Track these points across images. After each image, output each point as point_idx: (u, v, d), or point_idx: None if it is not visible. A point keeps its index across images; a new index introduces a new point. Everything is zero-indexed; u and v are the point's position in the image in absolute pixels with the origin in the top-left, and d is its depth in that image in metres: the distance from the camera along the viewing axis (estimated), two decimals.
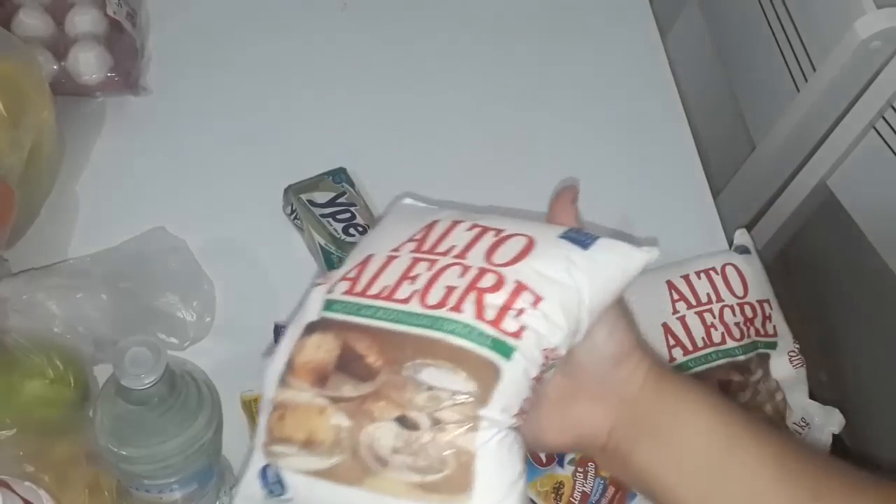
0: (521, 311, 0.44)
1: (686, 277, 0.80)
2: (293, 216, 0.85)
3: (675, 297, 0.78)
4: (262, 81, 0.97)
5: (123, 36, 0.92)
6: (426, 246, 0.49)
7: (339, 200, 0.84)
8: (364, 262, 0.49)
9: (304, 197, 0.84)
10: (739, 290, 0.80)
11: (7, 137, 0.74)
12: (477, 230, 0.49)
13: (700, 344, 0.76)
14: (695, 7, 1.26)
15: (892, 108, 0.90)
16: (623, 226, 0.83)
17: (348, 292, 0.48)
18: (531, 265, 0.46)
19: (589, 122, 0.98)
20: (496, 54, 1.02)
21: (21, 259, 0.77)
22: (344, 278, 0.49)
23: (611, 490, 0.71)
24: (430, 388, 0.43)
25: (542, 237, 0.48)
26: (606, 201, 0.91)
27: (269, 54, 0.98)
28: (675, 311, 0.78)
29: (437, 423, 0.42)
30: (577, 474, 0.71)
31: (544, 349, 0.45)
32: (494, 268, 0.46)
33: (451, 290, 0.45)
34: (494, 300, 0.45)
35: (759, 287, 0.81)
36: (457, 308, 0.45)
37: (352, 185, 0.86)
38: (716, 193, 0.96)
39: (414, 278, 0.47)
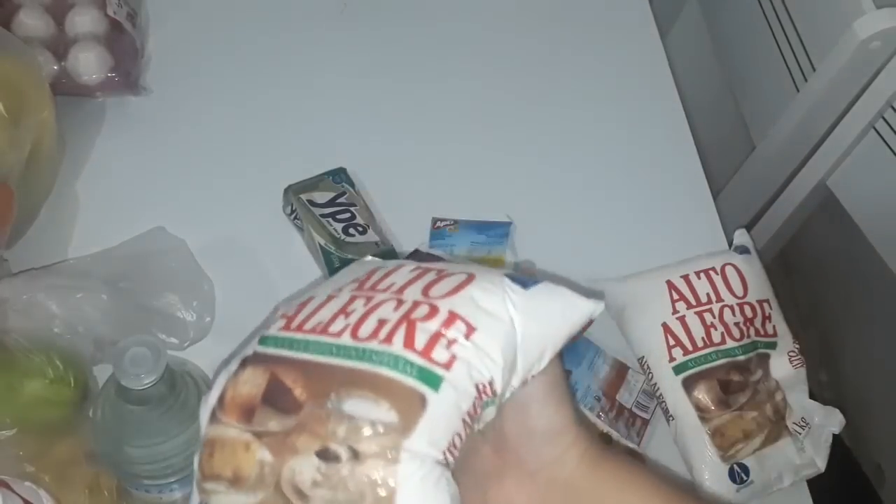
0: (452, 342, 0.43)
1: (686, 277, 0.80)
2: (293, 216, 0.85)
3: (675, 297, 0.79)
4: (262, 81, 0.97)
5: (123, 36, 0.92)
6: (367, 285, 0.48)
7: (339, 200, 0.84)
8: (304, 303, 0.48)
9: (304, 197, 0.84)
10: (739, 290, 0.80)
11: (7, 137, 0.74)
12: (419, 270, 0.48)
13: (700, 344, 0.76)
14: (695, 7, 1.27)
15: (892, 107, 0.90)
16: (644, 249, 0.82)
17: (284, 328, 0.47)
18: (467, 295, 0.45)
19: (589, 123, 0.98)
20: (496, 55, 1.02)
21: (21, 259, 0.77)
22: (282, 316, 0.48)
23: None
24: (351, 418, 0.41)
25: (482, 273, 0.47)
26: (606, 201, 0.91)
27: (269, 54, 0.99)
28: (675, 311, 0.78)
29: (356, 455, 0.40)
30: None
31: (477, 382, 0.43)
32: (429, 300, 0.45)
33: (383, 322, 0.44)
34: (426, 328, 0.43)
35: (759, 287, 0.81)
36: (387, 340, 0.43)
37: (352, 185, 0.86)
38: (715, 193, 0.96)
39: (349, 313, 0.46)
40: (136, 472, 0.60)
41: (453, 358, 0.43)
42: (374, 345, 0.43)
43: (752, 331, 0.78)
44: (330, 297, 0.48)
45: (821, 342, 1.23)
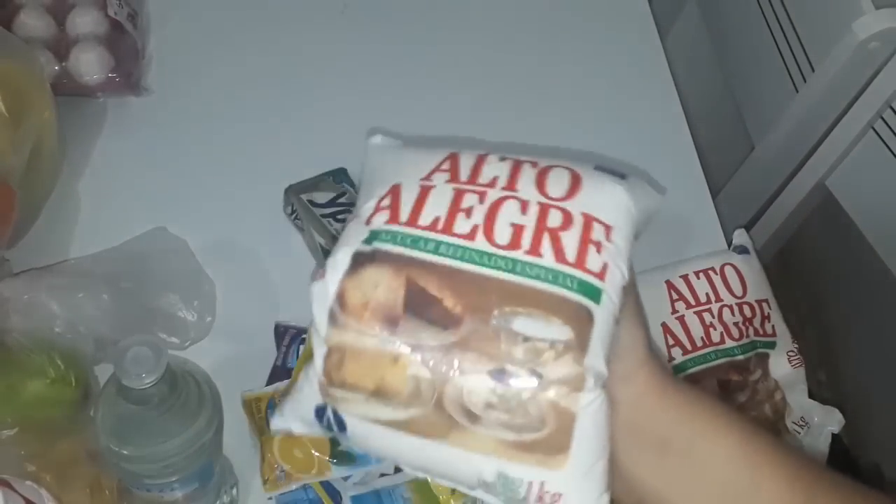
0: (599, 245, 0.41)
1: (685, 277, 0.80)
2: (294, 216, 0.85)
3: (674, 296, 0.79)
4: (263, 82, 0.97)
5: (124, 36, 0.92)
6: (463, 177, 0.44)
7: (340, 200, 0.84)
8: (393, 191, 0.43)
9: (304, 197, 0.84)
10: (738, 290, 0.80)
11: (8, 138, 0.74)
12: (511, 161, 0.45)
13: (699, 344, 0.77)
14: (694, 7, 1.27)
15: (891, 108, 0.90)
16: (642, 246, 0.83)
17: (391, 221, 0.42)
18: (588, 192, 0.43)
19: (588, 123, 0.98)
20: (496, 55, 1.02)
21: (22, 259, 0.78)
22: (378, 208, 0.43)
23: None
24: (527, 338, 0.39)
25: (580, 168, 0.44)
26: None
27: (269, 55, 0.99)
28: (674, 311, 0.78)
29: (539, 378, 0.38)
30: None
31: (622, 284, 0.41)
32: (555, 203, 0.42)
33: (519, 228, 0.41)
34: (570, 237, 0.41)
35: (758, 287, 0.81)
36: (534, 250, 0.40)
37: (352, 185, 0.86)
38: (715, 193, 0.96)
39: (468, 211, 0.42)
40: (137, 472, 0.60)
41: (605, 266, 0.41)
42: (521, 255, 0.40)
43: (751, 330, 0.78)
44: (426, 189, 0.43)
45: (820, 342, 1.23)
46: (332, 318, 0.41)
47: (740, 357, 0.77)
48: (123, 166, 0.89)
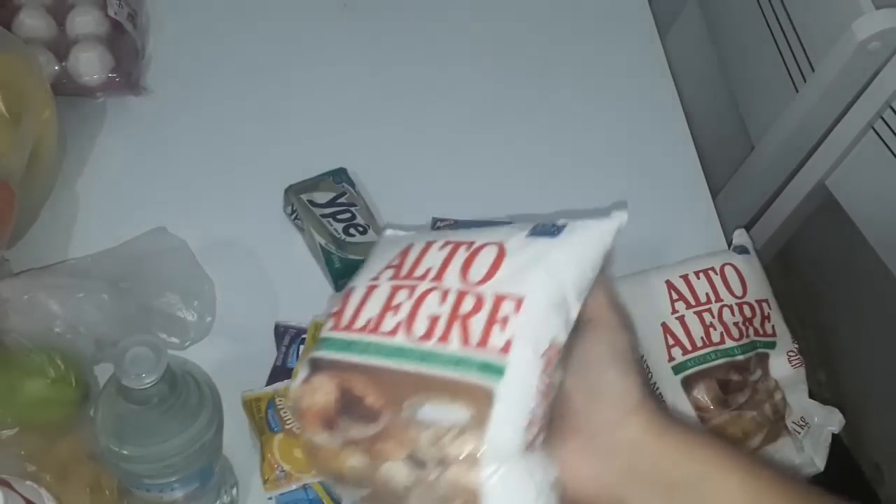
0: (504, 322, 0.44)
1: (685, 277, 0.80)
2: (294, 216, 0.85)
3: (674, 296, 0.79)
4: (263, 82, 0.97)
5: (124, 36, 0.92)
6: (403, 272, 0.49)
7: (340, 201, 0.84)
8: (346, 295, 0.50)
9: (304, 197, 0.84)
10: (738, 290, 0.80)
11: (8, 138, 0.74)
12: (449, 247, 0.49)
13: (699, 344, 0.77)
14: (694, 8, 1.27)
15: (891, 108, 0.90)
16: (643, 246, 0.83)
17: (334, 328, 0.49)
18: (506, 270, 0.46)
19: (588, 122, 0.98)
20: (496, 55, 1.02)
21: (22, 259, 0.78)
22: (330, 315, 0.49)
23: None
24: (430, 425, 0.43)
25: (511, 241, 0.48)
26: (606, 201, 0.91)
27: (269, 54, 0.99)
28: (675, 311, 0.78)
29: (441, 460, 0.43)
30: None
31: (541, 350, 0.44)
32: (472, 288, 0.46)
33: (434, 319, 0.46)
34: (478, 321, 0.45)
35: (758, 287, 0.81)
36: (444, 339, 0.45)
37: (352, 185, 0.86)
38: (715, 193, 0.96)
39: (396, 308, 0.47)
40: (137, 472, 0.60)
41: (509, 341, 0.44)
42: (432, 345, 0.45)
43: (751, 330, 0.78)
44: (370, 289, 0.49)
45: (820, 342, 1.23)
46: (298, 426, 0.49)
47: (740, 357, 0.76)
48: (123, 166, 0.89)
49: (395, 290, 0.48)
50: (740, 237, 0.84)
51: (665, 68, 1.03)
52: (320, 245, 0.81)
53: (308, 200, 0.84)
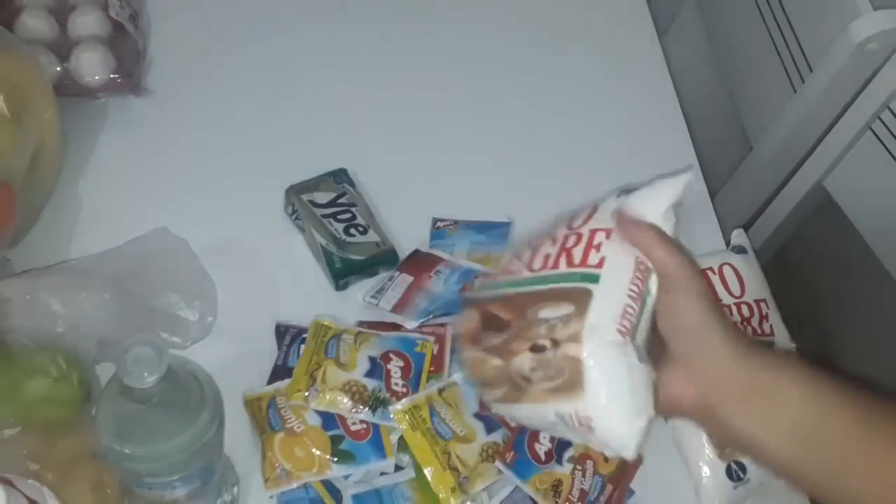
0: (598, 246, 0.58)
1: None
2: (294, 216, 0.85)
3: None
4: (264, 82, 0.97)
5: (126, 37, 0.92)
6: (532, 245, 0.63)
7: (340, 201, 0.85)
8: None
9: (305, 197, 0.84)
10: (736, 290, 0.80)
11: (10, 138, 0.74)
12: (563, 219, 0.63)
13: None
14: (692, 8, 1.27)
15: (889, 109, 0.90)
16: None
17: (484, 279, 0.69)
18: (598, 216, 0.60)
19: (587, 123, 0.98)
20: (495, 55, 1.02)
21: (24, 259, 0.78)
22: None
23: (609, 488, 0.72)
24: (546, 320, 0.57)
25: (601, 202, 0.61)
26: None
27: (269, 55, 0.99)
28: None
29: (555, 343, 0.56)
30: (576, 472, 0.72)
31: (631, 263, 0.57)
32: (573, 231, 0.60)
33: (547, 256, 0.60)
34: (578, 249, 0.59)
35: (756, 287, 0.81)
36: (555, 265, 0.59)
37: (352, 185, 0.86)
38: (713, 194, 0.96)
39: (520, 257, 0.62)
40: (139, 471, 0.60)
41: (603, 259, 0.57)
42: (545, 272, 0.59)
43: (749, 330, 0.79)
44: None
45: (818, 342, 1.23)
46: (460, 346, 0.63)
47: None
48: (125, 167, 0.89)
49: (524, 250, 0.63)
50: (738, 237, 0.85)
51: (664, 69, 1.03)
52: (321, 245, 0.82)
53: (309, 201, 0.84)
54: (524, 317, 0.58)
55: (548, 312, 0.57)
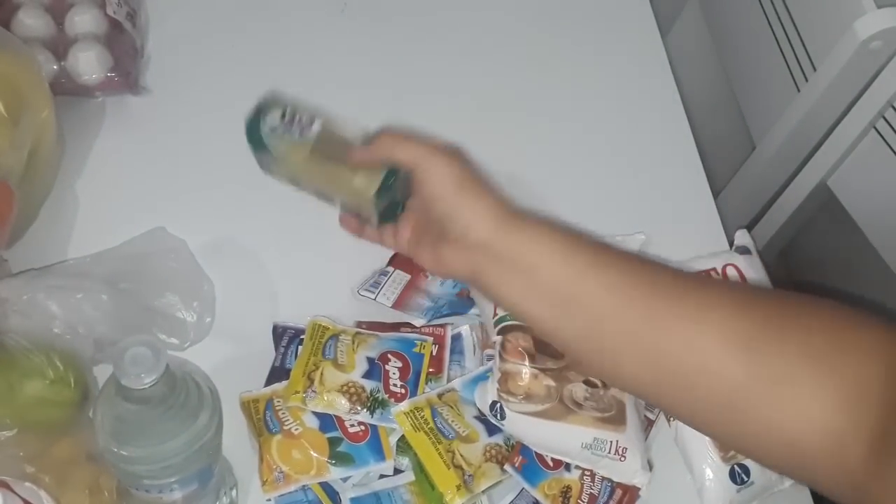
0: None
1: None
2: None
3: None
4: (262, 82, 0.96)
5: (123, 36, 0.92)
6: None
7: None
8: None
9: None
10: None
11: (7, 137, 0.74)
12: None
13: None
14: (695, 7, 1.27)
15: (893, 107, 0.90)
16: (645, 246, 0.84)
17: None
18: None
19: (589, 123, 0.98)
20: (496, 55, 1.02)
21: (21, 259, 0.78)
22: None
23: (618, 492, 0.72)
24: None
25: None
26: (606, 201, 0.91)
27: (268, 54, 0.99)
28: None
29: (604, 385, 0.71)
30: (585, 477, 0.71)
31: None
32: None
33: None
34: None
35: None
36: None
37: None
38: (716, 193, 0.96)
39: None
40: (136, 472, 0.60)
41: None
42: None
43: None
44: None
45: None
46: (501, 357, 0.72)
47: None
48: (122, 166, 0.89)
49: None
50: (742, 237, 0.84)
51: (666, 68, 1.03)
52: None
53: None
54: None
55: None
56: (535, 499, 0.70)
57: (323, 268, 0.83)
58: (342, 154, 0.69)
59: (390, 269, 0.81)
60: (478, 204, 0.62)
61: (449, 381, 0.75)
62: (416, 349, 0.75)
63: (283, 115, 0.72)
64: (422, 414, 0.71)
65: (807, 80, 0.97)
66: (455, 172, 0.63)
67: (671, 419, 0.75)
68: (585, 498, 0.71)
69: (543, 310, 0.60)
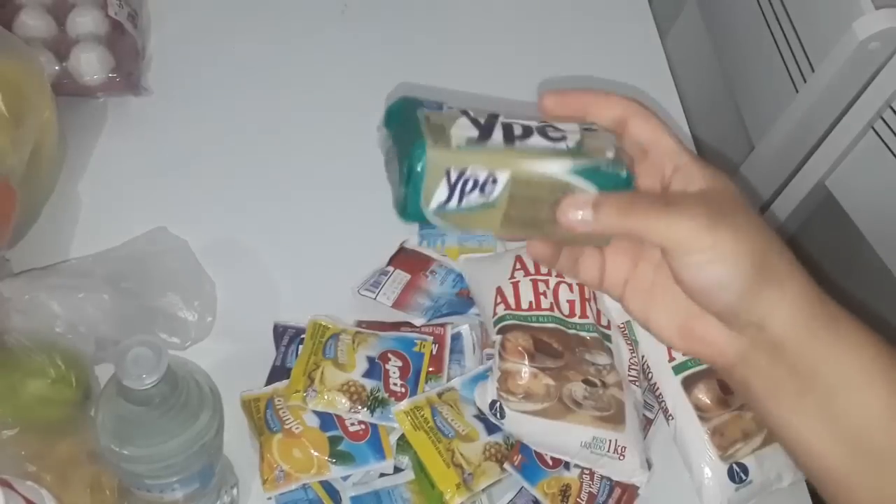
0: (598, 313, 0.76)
1: None
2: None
3: None
4: (263, 82, 0.97)
5: (125, 37, 0.92)
6: (531, 271, 0.76)
7: None
8: (499, 291, 0.76)
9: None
10: None
11: (9, 138, 0.74)
12: None
13: None
14: (694, 7, 1.27)
15: (891, 108, 0.90)
16: None
17: (506, 309, 0.74)
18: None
19: None
20: (496, 54, 1.02)
21: (23, 259, 0.78)
22: (496, 303, 0.75)
23: (617, 491, 0.72)
24: (592, 363, 0.73)
25: None
26: None
27: (269, 55, 0.99)
28: None
29: (604, 384, 0.72)
30: (584, 476, 0.72)
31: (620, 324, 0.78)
32: None
33: (572, 302, 0.75)
34: (593, 304, 0.76)
35: None
36: (583, 315, 0.75)
37: None
38: None
39: (544, 294, 0.75)
40: (138, 472, 0.60)
41: (609, 323, 0.77)
42: (577, 320, 0.75)
43: None
44: (516, 284, 0.76)
45: None
46: (500, 357, 0.72)
47: None
48: (124, 166, 0.89)
49: (535, 283, 0.75)
50: None
51: (665, 68, 1.03)
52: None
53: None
54: (573, 352, 0.72)
55: (591, 357, 0.73)
56: (535, 497, 0.71)
57: (323, 267, 0.83)
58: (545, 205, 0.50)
59: (390, 268, 0.81)
60: (785, 287, 0.42)
61: (449, 380, 0.75)
62: (416, 348, 0.75)
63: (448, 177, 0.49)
64: (422, 413, 0.71)
65: (805, 80, 0.97)
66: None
67: (670, 418, 0.75)
68: (584, 496, 0.71)
69: (837, 452, 0.42)
